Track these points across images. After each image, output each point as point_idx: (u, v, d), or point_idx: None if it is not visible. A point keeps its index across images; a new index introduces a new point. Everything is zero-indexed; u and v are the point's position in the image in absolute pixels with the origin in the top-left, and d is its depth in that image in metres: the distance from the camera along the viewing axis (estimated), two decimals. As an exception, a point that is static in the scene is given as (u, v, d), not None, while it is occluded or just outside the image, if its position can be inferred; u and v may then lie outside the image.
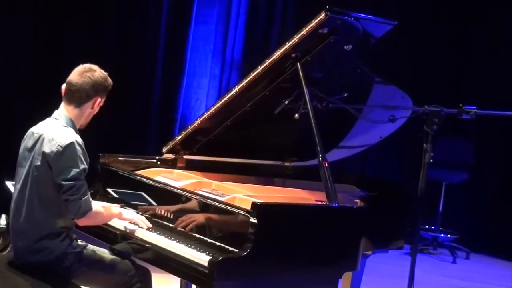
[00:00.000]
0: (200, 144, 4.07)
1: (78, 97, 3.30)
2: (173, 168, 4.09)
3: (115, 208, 3.49)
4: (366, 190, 4.15)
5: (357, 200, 3.74)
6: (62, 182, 3.17)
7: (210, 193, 3.60)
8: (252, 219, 3.05)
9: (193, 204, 3.43)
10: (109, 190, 3.88)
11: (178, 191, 3.51)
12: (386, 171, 7.51)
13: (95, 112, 3.39)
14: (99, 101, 3.34)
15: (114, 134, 6.51)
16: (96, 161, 3.86)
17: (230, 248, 3.14)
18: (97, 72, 3.34)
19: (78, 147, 3.22)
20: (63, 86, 3.34)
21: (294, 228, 3.19)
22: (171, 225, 3.46)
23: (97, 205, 3.35)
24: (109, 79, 3.38)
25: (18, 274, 3.22)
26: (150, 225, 3.47)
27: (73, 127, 3.31)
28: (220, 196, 3.51)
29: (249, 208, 3.09)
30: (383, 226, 3.80)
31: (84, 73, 3.32)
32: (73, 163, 3.19)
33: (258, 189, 3.87)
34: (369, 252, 3.75)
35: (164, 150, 4.08)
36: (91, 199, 3.26)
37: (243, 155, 4.17)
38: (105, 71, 3.40)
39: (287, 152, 4.36)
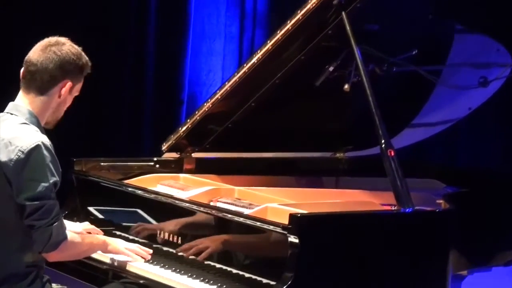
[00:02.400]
0: (214, 136, 4.10)
1: (39, 80, 3.32)
2: (178, 173, 4.13)
3: (97, 235, 3.52)
4: (455, 185, 4.15)
5: (441, 201, 3.73)
6: (26, 203, 3.20)
7: (231, 204, 3.62)
8: (292, 238, 3.06)
9: (208, 221, 3.46)
10: (90, 209, 3.92)
11: (187, 204, 3.54)
12: (483, 158, 7.45)
13: (67, 104, 3.39)
14: (69, 86, 3.33)
15: (91, 128, 6.51)
16: (69, 169, 3.90)
17: (264, 281, 3.16)
18: (67, 46, 3.35)
19: (46, 152, 3.23)
20: (22, 69, 3.37)
21: (351, 247, 3.20)
22: (179, 253, 3.49)
23: (72, 232, 3.37)
24: (85, 58, 3.38)
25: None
26: (150, 254, 3.49)
27: (37, 124, 3.33)
28: (247, 208, 3.53)
29: (286, 222, 3.10)
30: (482, 234, 3.81)
31: (49, 47, 3.34)
32: (40, 175, 3.21)
33: (299, 195, 3.89)
34: (464, 272, 3.76)
35: (164, 147, 4.12)
36: (65, 225, 3.29)
37: (275, 148, 4.20)
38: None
39: (338, 139, 4.38)
